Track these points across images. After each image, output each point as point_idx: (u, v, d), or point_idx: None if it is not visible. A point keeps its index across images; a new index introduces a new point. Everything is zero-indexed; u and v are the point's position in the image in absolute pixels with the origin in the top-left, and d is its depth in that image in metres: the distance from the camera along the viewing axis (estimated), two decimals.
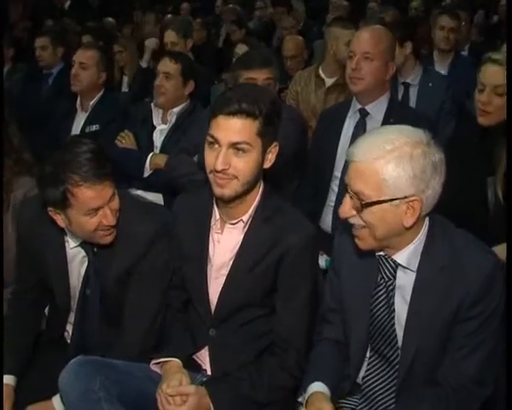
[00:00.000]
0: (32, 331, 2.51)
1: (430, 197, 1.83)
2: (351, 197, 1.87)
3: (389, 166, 1.79)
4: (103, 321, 2.41)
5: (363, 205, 1.83)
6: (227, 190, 2.07)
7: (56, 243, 2.37)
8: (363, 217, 1.85)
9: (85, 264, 2.36)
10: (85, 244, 2.32)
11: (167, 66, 3.81)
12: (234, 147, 2.04)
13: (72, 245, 2.35)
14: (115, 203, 2.21)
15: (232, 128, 2.02)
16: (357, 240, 1.94)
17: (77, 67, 4.15)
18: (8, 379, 2.33)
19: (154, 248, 2.31)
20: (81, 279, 2.38)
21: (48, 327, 2.59)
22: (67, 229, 2.28)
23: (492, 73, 2.76)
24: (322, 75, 4.44)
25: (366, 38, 3.11)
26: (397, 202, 1.81)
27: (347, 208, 1.89)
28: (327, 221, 3.21)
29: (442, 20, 5.17)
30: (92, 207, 2.14)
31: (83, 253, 2.35)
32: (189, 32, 5.79)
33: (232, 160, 2.04)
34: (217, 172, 2.04)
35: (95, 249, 2.32)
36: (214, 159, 2.04)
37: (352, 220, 1.90)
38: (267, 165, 2.13)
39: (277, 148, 2.14)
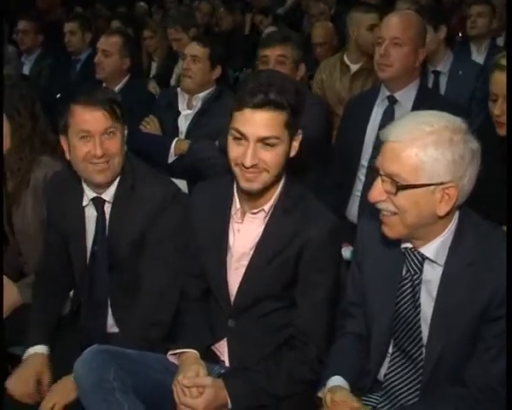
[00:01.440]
0: (56, 307, 2.55)
1: (466, 186, 1.75)
2: (383, 181, 1.78)
3: (428, 149, 1.71)
4: (115, 290, 2.44)
5: (398, 188, 1.74)
6: (256, 183, 2.02)
7: (75, 204, 2.43)
8: (395, 201, 1.77)
9: None
10: (96, 200, 2.39)
11: (195, 49, 3.77)
12: (262, 141, 1.97)
13: (85, 202, 2.41)
14: (111, 143, 2.28)
15: (260, 122, 1.95)
16: (384, 227, 1.86)
17: (100, 55, 4.17)
18: (42, 349, 2.35)
19: (168, 212, 2.33)
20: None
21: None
22: (75, 167, 2.35)
23: (503, 82, 2.56)
24: (347, 62, 4.39)
25: (395, 23, 3.02)
26: (433, 187, 1.73)
27: (378, 192, 1.80)
28: (353, 211, 3.15)
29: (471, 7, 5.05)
30: (84, 128, 2.24)
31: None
32: (189, 22, 5.68)
33: (261, 154, 1.98)
34: (246, 167, 1.99)
35: (105, 207, 2.40)
36: (241, 153, 1.98)
37: (381, 205, 1.82)
38: (292, 153, 2.07)
39: (301, 135, 2.08)
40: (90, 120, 2.23)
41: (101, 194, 2.39)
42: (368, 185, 2.99)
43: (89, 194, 2.40)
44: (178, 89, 3.87)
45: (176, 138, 3.67)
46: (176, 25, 5.32)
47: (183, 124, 3.77)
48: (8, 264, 2.89)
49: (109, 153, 2.28)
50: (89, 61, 5.34)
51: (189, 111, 3.79)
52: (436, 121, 1.74)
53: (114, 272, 2.43)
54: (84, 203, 2.42)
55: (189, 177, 3.49)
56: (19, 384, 2.25)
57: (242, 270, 2.15)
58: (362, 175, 3.12)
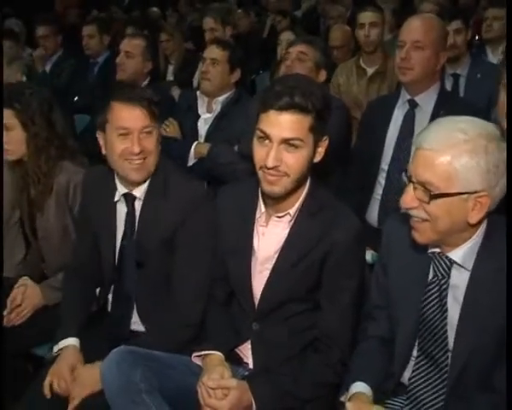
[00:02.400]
0: (87, 302, 2.58)
1: (498, 194, 1.75)
2: (415, 188, 1.78)
3: (462, 158, 1.70)
4: (142, 287, 2.46)
5: (431, 196, 1.73)
6: (277, 187, 2.03)
7: (108, 200, 2.48)
8: (427, 209, 1.77)
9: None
10: (127, 196, 2.44)
11: (214, 52, 3.77)
12: (286, 143, 1.99)
13: (116, 198, 2.45)
14: (148, 141, 2.32)
15: (284, 124, 1.97)
16: (414, 232, 1.85)
17: (122, 56, 4.18)
18: (74, 341, 2.39)
19: (200, 212, 2.35)
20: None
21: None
22: (110, 163, 2.39)
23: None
24: (363, 65, 4.41)
25: (417, 27, 3.01)
26: (466, 196, 1.72)
27: (410, 199, 1.79)
28: (373, 215, 3.14)
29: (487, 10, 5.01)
30: (122, 125, 2.28)
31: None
32: (228, 19, 5.77)
33: (284, 156, 2.00)
34: (267, 168, 2.00)
35: (136, 203, 2.44)
36: (265, 155, 2.00)
37: (413, 212, 1.82)
38: (317, 159, 2.09)
39: (327, 142, 2.09)
40: (128, 117, 2.28)
41: (132, 190, 2.43)
42: (388, 189, 3.05)
43: (120, 190, 2.44)
44: (198, 92, 3.89)
45: (195, 142, 3.68)
46: (217, 16, 5.34)
47: (202, 127, 3.79)
48: (31, 267, 2.95)
49: (146, 150, 2.32)
50: (107, 63, 5.46)
51: (209, 114, 3.80)
52: (470, 128, 1.73)
53: (142, 269, 2.44)
54: (116, 199, 2.46)
55: (210, 181, 3.51)
56: (55, 378, 2.27)
57: (267, 273, 2.16)
58: (382, 179, 3.11)
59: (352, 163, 3.30)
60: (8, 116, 2.69)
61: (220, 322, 2.29)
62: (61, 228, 2.77)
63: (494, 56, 5.06)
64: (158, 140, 2.38)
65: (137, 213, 2.46)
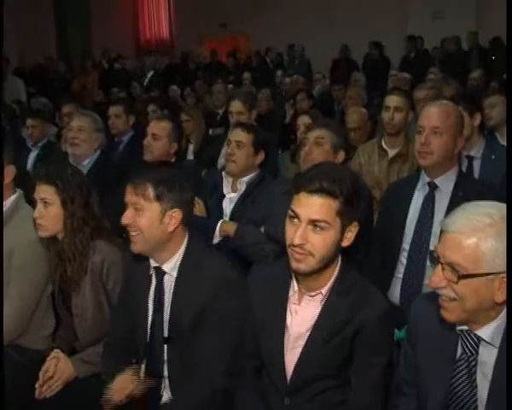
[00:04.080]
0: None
1: None
2: (443, 268, 1.87)
3: (488, 240, 1.79)
4: (172, 361, 2.54)
5: (460, 277, 1.82)
6: (302, 265, 2.13)
7: (145, 273, 2.59)
8: (455, 289, 1.85)
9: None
10: (156, 270, 2.56)
11: (239, 135, 3.89)
12: (313, 224, 2.11)
13: (151, 271, 2.57)
14: (140, 219, 2.45)
15: (312, 205, 2.10)
16: (443, 311, 1.92)
17: (150, 138, 4.27)
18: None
19: (229, 292, 2.44)
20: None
21: None
22: None
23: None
24: (385, 146, 4.51)
25: (435, 113, 3.15)
26: (492, 276, 1.81)
27: (438, 279, 1.88)
28: (395, 294, 3.20)
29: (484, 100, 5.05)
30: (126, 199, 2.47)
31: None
32: (254, 103, 5.91)
33: (309, 236, 2.11)
34: (294, 246, 2.11)
35: (165, 278, 2.55)
36: (293, 233, 2.12)
37: (441, 292, 1.90)
38: (345, 243, 2.19)
39: (357, 227, 2.19)
40: (129, 192, 2.48)
41: (161, 264, 2.53)
42: (409, 268, 3.13)
43: (152, 263, 2.56)
44: (223, 172, 4.01)
45: (221, 220, 3.78)
46: (246, 102, 5.46)
47: (227, 206, 3.88)
48: (62, 341, 3.01)
49: (133, 225, 2.46)
50: (131, 142, 5.58)
51: (234, 194, 3.90)
52: (494, 212, 1.83)
53: (172, 343, 2.52)
54: (151, 272, 2.57)
55: (234, 259, 3.59)
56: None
57: (299, 350, 2.23)
58: (403, 258, 3.19)
59: (373, 243, 3.39)
60: (49, 192, 2.79)
61: (251, 397, 2.34)
62: (95, 306, 2.85)
63: (503, 139, 5.16)
64: (154, 219, 2.46)
65: (166, 288, 2.54)
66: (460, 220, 1.86)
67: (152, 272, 2.57)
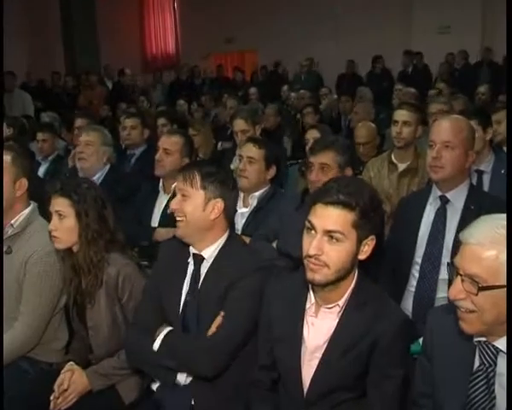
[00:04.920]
0: None
1: None
2: (462, 280, 1.88)
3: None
4: None
5: (479, 288, 1.83)
6: (318, 275, 2.15)
7: (182, 262, 2.68)
8: (474, 301, 1.86)
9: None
10: (195, 256, 2.65)
11: (251, 151, 3.92)
12: (328, 235, 2.13)
13: (189, 258, 2.66)
14: (186, 204, 2.58)
15: (328, 217, 2.13)
16: (462, 323, 1.93)
17: (161, 153, 4.24)
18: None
19: (252, 276, 2.52)
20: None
21: None
22: None
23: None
24: (395, 160, 4.53)
25: (446, 128, 3.17)
26: None
27: (457, 291, 1.89)
28: (407, 307, 3.21)
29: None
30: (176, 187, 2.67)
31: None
32: (257, 118, 5.88)
33: (325, 247, 2.13)
34: (309, 256, 2.13)
35: (203, 264, 2.63)
36: (309, 244, 2.15)
37: (460, 303, 1.91)
38: (362, 256, 2.21)
39: (374, 241, 2.21)
40: (178, 181, 2.65)
41: (200, 251, 2.64)
42: (422, 281, 3.14)
43: (191, 250, 2.65)
44: None
45: None
46: (248, 119, 5.46)
47: (239, 221, 3.89)
48: (77, 353, 3.03)
49: (180, 210, 2.59)
50: (143, 156, 5.60)
51: (245, 209, 3.92)
52: None
53: (202, 324, 2.57)
54: (189, 260, 2.66)
55: None
56: None
57: (316, 362, 2.24)
58: (416, 271, 3.20)
59: (385, 256, 3.40)
60: (64, 205, 2.82)
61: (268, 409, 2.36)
62: (110, 318, 2.86)
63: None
64: (197, 206, 2.58)
65: (202, 274, 2.62)
66: (479, 232, 1.88)
67: (190, 258, 2.63)
